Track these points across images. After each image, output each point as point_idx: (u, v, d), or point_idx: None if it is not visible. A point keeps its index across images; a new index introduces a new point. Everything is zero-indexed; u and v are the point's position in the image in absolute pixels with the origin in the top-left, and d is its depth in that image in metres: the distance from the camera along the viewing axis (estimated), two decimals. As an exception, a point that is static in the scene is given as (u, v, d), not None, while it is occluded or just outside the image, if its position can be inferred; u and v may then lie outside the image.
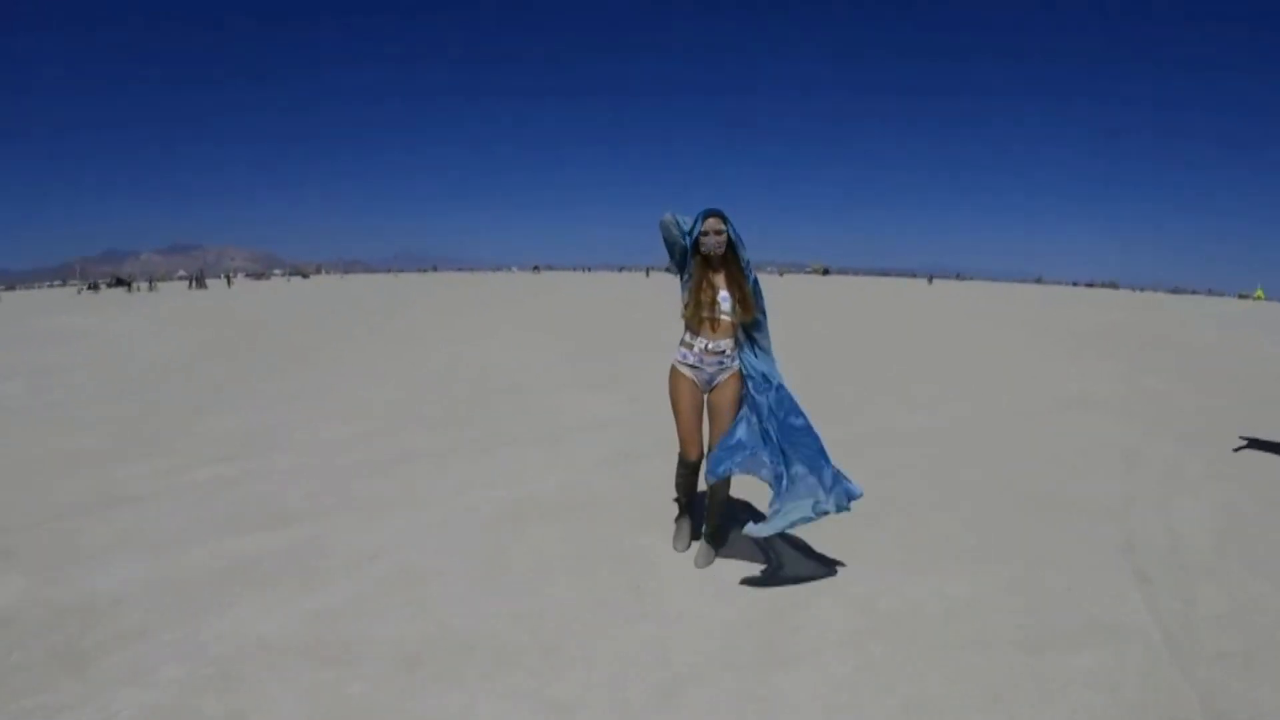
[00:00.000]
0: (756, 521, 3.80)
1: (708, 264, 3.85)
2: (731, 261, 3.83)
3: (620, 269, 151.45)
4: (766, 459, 3.78)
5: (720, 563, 4.06)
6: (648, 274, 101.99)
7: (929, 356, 13.44)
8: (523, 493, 5.21)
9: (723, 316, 3.84)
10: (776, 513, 3.68)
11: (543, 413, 7.90)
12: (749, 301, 3.84)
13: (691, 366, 3.94)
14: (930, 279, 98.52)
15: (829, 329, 19.36)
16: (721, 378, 3.92)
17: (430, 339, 15.82)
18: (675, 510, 4.71)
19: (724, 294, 3.84)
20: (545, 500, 5.06)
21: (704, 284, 3.85)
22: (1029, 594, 3.72)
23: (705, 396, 3.97)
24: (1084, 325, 23.28)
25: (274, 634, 3.29)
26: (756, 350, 3.94)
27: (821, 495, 3.67)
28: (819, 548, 4.26)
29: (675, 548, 4.26)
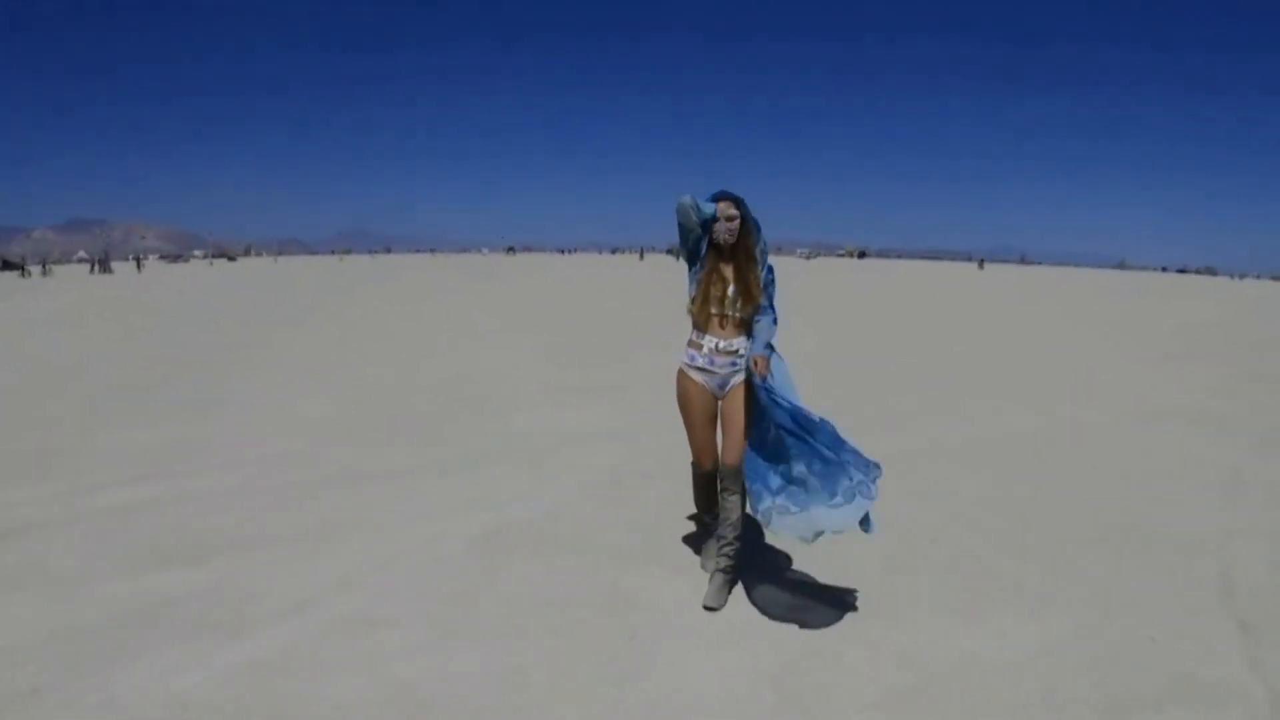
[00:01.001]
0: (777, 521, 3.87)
1: (720, 254, 4.02)
2: (743, 250, 4.00)
3: (613, 251, 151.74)
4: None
5: (731, 603, 4.06)
6: (641, 256, 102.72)
7: (985, 357, 13.47)
8: (494, 522, 5.20)
9: (734, 314, 4.00)
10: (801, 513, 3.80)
11: (519, 426, 7.90)
12: (752, 291, 3.99)
13: (701, 370, 4.08)
14: (981, 263, 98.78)
15: (864, 323, 19.39)
16: (735, 380, 4.04)
17: (384, 336, 15.81)
18: (679, 543, 4.78)
19: (734, 287, 4.00)
20: (522, 532, 5.05)
21: (714, 275, 4.01)
22: (1106, 644, 3.72)
23: (719, 403, 4.10)
24: (1175, 320, 23.39)
25: (192, 692, 3.27)
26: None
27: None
28: (850, 585, 4.27)
29: (705, 568, 4.40)
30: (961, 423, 8.31)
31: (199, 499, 5.62)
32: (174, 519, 5.22)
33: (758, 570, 4.42)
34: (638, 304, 24.51)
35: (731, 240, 3.97)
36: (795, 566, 4.53)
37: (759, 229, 4.04)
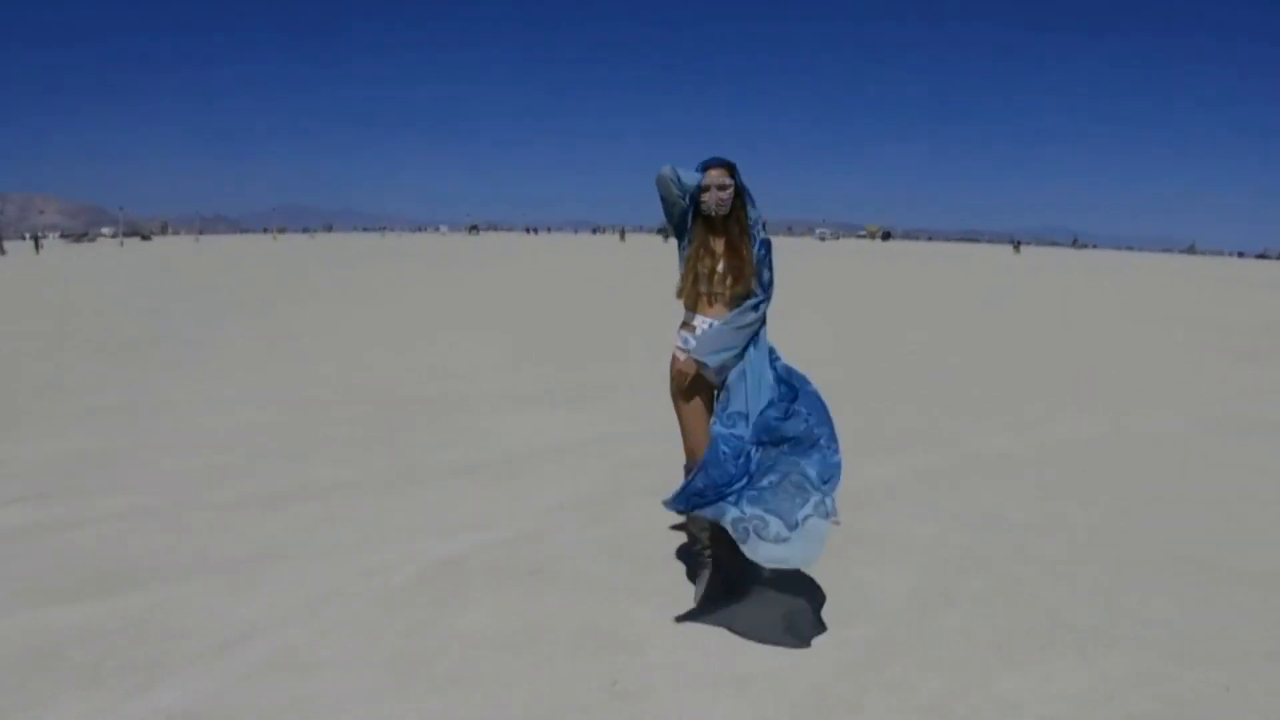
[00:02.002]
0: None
1: (709, 226, 4.22)
2: (736, 223, 4.19)
3: (594, 230, 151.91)
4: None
5: (730, 643, 4.09)
6: (623, 237, 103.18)
7: (1030, 356, 13.54)
8: (454, 548, 5.22)
9: (726, 292, 4.18)
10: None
11: (484, 436, 7.92)
12: (745, 270, 4.15)
13: None
14: (1017, 246, 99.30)
15: (883, 314, 19.42)
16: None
17: (328, 329, 15.80)
18: (668, 572, 4.80)
19: (724, 262, 4.18)
20: (484, 560, 5.07)
21: (703, 251, 4.21)
22: (1172, 694, 3.74)
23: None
24: (1255, 314, 23.42)
25: (98, 748, 3.29)
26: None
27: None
28: (871, 620, 4.30)
29: (696, 598, 4.47)
30: (1003, 432, 8.36)
31: (110, 521, 5.61)
32: (73, 545, 5.21)
33: (760, 605, 4.44)
34: (621, 293, 24.51)
35: (723, 212, 4.13)
36: (806, 600, 4.54)
37: (753, 200, 4.22)
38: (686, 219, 4.19)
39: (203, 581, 4.72)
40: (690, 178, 4.05)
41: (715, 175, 4.09)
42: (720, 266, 4.17)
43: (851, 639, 4.16)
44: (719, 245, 4.19)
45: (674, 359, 4.29)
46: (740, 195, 4.17)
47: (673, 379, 4.29)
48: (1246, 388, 11.32)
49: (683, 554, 5.12)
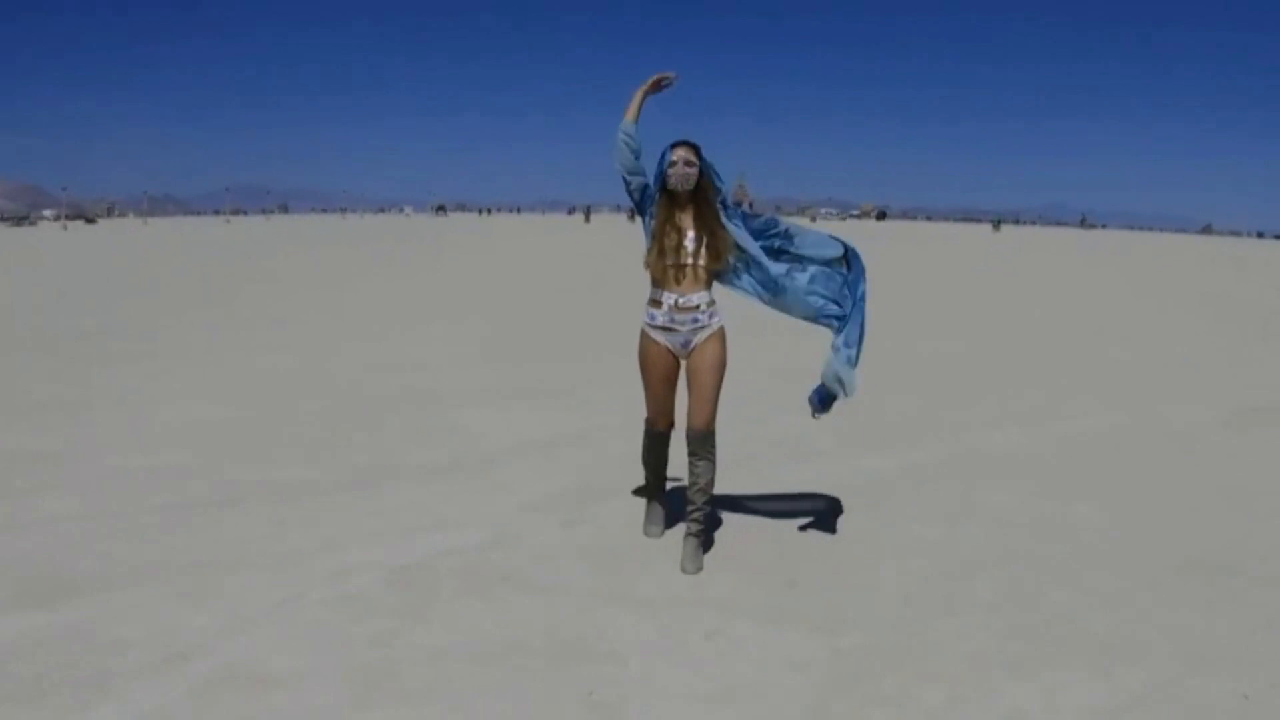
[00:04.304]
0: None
1: (674, 202, 4.76)
2: (703, 199, 4.75)
3: (570, 211, 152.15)
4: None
5: (715, 653, 4.07)
6: (587, 217, 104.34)
7: (1038, 340, 13.63)
8: (421, 552, 5.19)
9: (692, 264, 4.72)
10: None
11: (454, 432, 7.89)
12: (720, 247, 4.71)
13: (663, 329, 4.83)
14: (997, 224, 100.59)
15: (881, 296, 19.45)
16: (699, 339, 4.81)
17: (287, 318, 15.72)
18: (650, 576, 4.87)
19: (691, 235, 4.73)
20: (453, 563, 5.05)
21: (667, 226, 4.73)
22: (1189, 705, 3.74)
23: (683, 364, 4.89)
24: (1272, 298, 23.59)
25: (36, 770, 3.24)
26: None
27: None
28: (867, 628, 4.30)
29: (648, 533, 5.36)
30: (1009, 423, 8.40)
31: (50, 524, 5.55)
32: (17, 549, 5.15)
33: (748, 611, 4.43)
34: (606, 275, 24.49)
35: (688, 186, 4.69)
36: (796, 606, 4.54)
37: (717, 175, 4.79)
38: (646, 194, 4.79)
39: (151, 589, 4.66)
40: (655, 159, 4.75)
41: (681, 153, 4.66)
42: (688, 242, 4.70)
43: (845, 648, 4.15)
44: (686, 220, 4.73)
45: (642, 333, 4.89)
46: (706, 174, 4.73)
47: (642, 354, 4.93)
48: (1266, 375, 11.43)
49: (661, 554, 5.12)
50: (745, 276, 4.93)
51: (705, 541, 5.06)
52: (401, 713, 3.59)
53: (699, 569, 4.87)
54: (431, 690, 3.76)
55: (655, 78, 4.83)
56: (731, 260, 4.82)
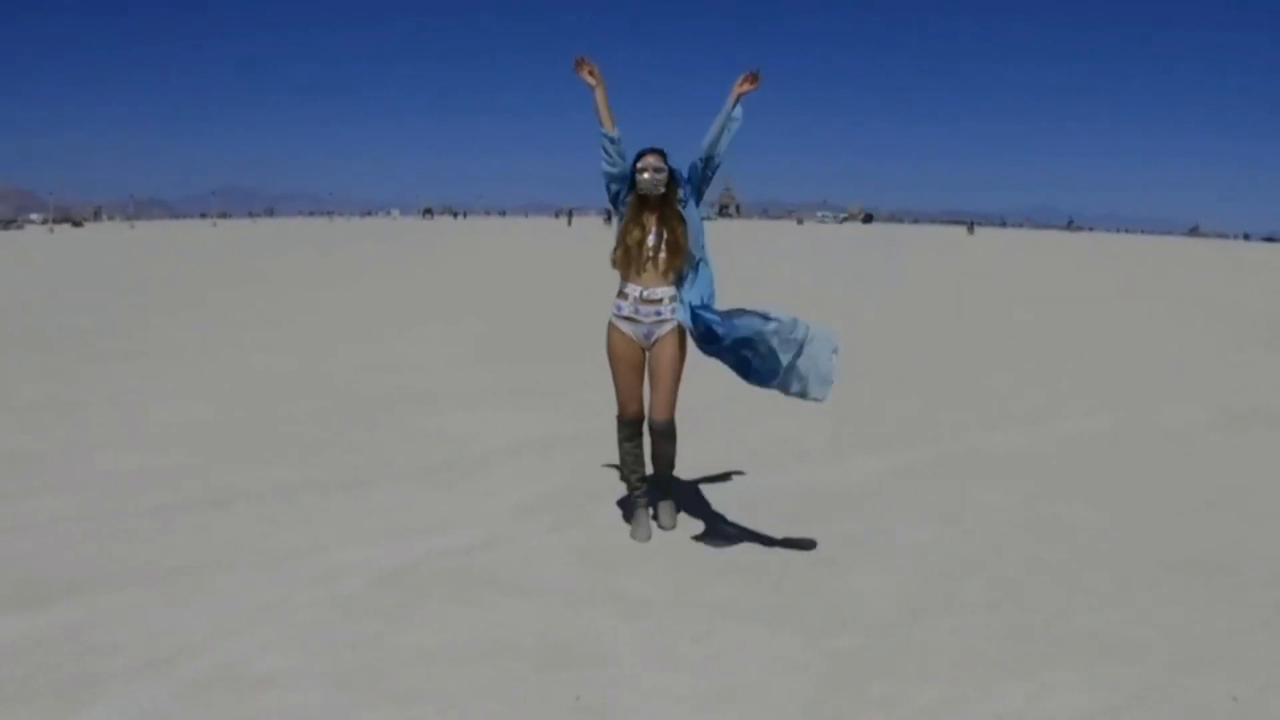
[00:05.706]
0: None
1: (643, 204, 5.17)
2: (669, 203, 5.14)
3: (556, 214, 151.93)
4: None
5: (706, 655, 4.09)
6: (569, 221, 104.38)
7: (1028, 344, 13.61)
8: (410, 554, 5.19)
9: (653, 259, 5.10)
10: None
11: (443, 434, 7.89)
12: (679, 244, 5.08)
13: (628, 319, 5.21)
14: (971, 227, 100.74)
15: (873, 297, 19.47)
16: (660, 332, 5.17)
17: (276, 320, 15.67)
18: (639, 579, 4.87)
19: (654, 232, 5.13)
20: (443, 566, 5.05)
21: (633, 224, 5.15)
22: (1182, 706, 3.76)
23: (646, 354, 5.23)
24: (1267, 300, 23.60)
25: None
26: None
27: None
28: (860, 630, 4.31)
29: (635, 538, 5.43)
30: (1003, 425, 8.43)
31: (39, 526, 5.54)
32: (4, 551, 5.15)
33: (739, 613, 4.45)
34: (594, 277, 24.48)
35: (658, 191, 5.11)
36: (788, 608, 4.56)
37: (682, 182, 5.19)
38: (621, 193, 5.21)
39: (139, 591, 4.66)
40: (627, 162, 5.15)
41: (650, 160, 5.10)
42: (650, 240, 5.11)
43: (839, 650, 4.16)
44: (650, 221, 5.13)
45: (610, 323, 5.28)
46: (673, 180, 5.15)
47: (609, 344, 5.30)
48: (1257, 378, 11.47)
49: (652, 559, 5.14)
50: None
51: (675, 502, 5.71)
52: (391, 714, 3.60)
53: (674, 525, 5.56)
54: (421, 692, 3.77)
55: (578, 68, 5.26)
56: (694, 255, 5.17)
